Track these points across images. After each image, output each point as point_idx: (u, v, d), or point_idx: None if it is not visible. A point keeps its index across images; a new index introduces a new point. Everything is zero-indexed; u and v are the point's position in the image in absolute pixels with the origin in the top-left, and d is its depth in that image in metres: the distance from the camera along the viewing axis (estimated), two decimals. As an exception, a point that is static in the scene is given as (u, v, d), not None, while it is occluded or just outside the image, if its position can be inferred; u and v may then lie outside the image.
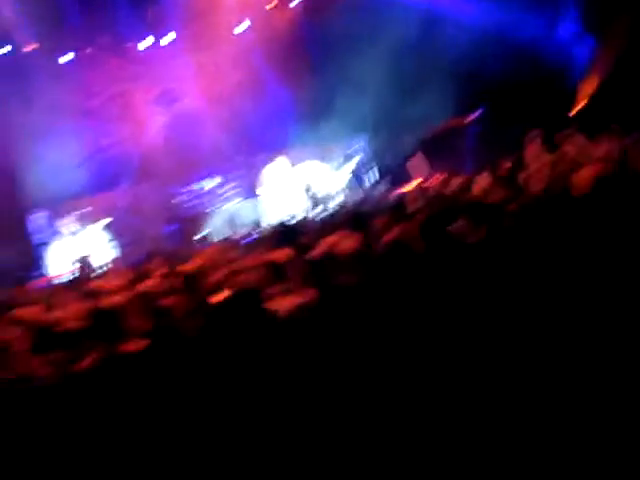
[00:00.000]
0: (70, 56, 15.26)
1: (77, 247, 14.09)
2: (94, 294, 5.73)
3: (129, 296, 5.36)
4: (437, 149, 14.87)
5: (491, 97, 14.00)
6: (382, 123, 14.27)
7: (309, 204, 14.19)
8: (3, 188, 12.99)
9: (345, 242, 5.18)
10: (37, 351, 4.52)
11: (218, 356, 3.14)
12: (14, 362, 4.24)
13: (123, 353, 3.59)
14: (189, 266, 5.51)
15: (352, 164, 15.66)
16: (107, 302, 4.29)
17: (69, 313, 5.44)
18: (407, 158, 14.00)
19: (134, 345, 3.74)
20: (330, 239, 5.56)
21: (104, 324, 4.08)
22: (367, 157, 15.94)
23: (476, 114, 14.49)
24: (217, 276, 5.24)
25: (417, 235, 4.32)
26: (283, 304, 3.61)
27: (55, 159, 13.69)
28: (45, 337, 4.74)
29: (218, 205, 15.30)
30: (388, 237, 4.40)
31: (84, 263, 12.00)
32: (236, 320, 3.08)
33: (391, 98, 13.70)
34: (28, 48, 14.65)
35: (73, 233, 14.49)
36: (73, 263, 12.37)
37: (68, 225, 14.46)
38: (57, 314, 5.35)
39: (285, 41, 14.76)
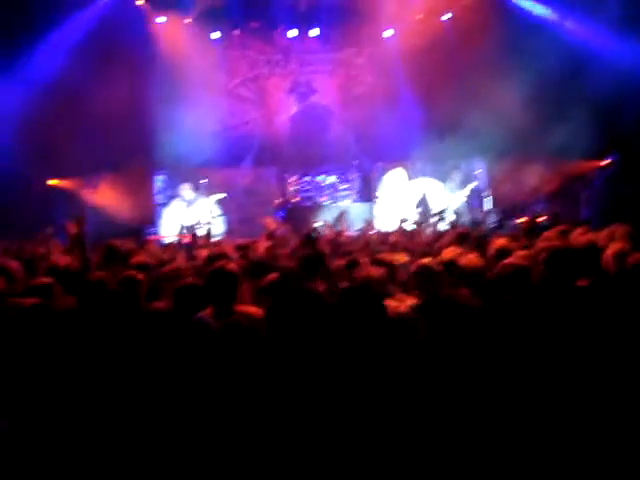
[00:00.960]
0: (218, 34, 15.84)
1: (190, 214, 14.63)
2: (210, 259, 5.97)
3: (243, 264, 5.58)
4: (557, 191, 14.60)
5: (625, 144, 13.58)
6: (507, 152, 14.04)
7: (420, 218, 14.16)
8: (137, 147, 13.61)
9: (466, 257, 5.20)
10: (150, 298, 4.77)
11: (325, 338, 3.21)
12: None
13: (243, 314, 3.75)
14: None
15: (468, 188, 15.53)
16: (225, 265, 4.44)
17: (187, 269, 5.73)
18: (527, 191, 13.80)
19: (253, 309, 3.89)
20: (450, 251, 5.60)
21: (221, 285, 4.22)
22: (484, 184, 15.76)
23: (608, 160, 14.09)
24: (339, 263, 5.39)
25: (540, 266, 4.28)
26: (399, 304, 3.66)
27: (186, 128, 14.26)
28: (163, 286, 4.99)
29: (331, 201, 15.52)
30: (510, 261, 4.38)
31: (193, 230, 12.42)
32: (355, 307, 3.16)
33: (522, 128, 13.49)
34: (184, 21, 15.35)
35: (189, 200, 15.07)
36: (183, 228, 12.83)
37: (186, 191, 15.05)
38: (173, 267, 5.64)
39: (427, 54, 14.75)
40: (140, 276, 4.73)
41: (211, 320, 3.72)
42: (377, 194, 15.65)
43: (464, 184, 15.65)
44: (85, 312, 4.02)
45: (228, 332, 3.31)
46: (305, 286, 3.99)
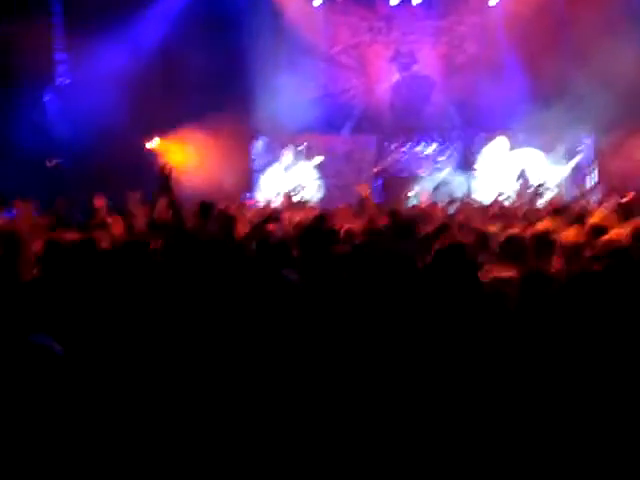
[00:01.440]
0: (321, 0, 15.82)
1: (288, 178, 14.87)
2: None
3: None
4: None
5: None
6: (618, 122, 13.45)
7: (520, 191, 13.83)
8: (237, 111, 13.87)
9: (566, 232, 5.11)
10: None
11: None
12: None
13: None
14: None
15: (573, 162, 15.04)
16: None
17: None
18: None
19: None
20: (544, 224, 5.52)
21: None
22: (590, 158, 15.23)
23: None
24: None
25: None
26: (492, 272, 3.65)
27: (287, 93, 14.43)
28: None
29: (429, 172, 15.41)
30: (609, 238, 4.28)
31: (289, 195, 12.61)
32: (448, 267, 3.18)
33: (634, 102, 12.92)
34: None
35: (288, 165, 15.29)
36: (280, 193, 13.05)
37: (287, 156, 15.27)
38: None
39: (534, 20, 14.26)
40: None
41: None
42: (476, 165, 15.41)
43: (569, 157, 15.18)
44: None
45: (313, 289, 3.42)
46: (395, 250, 4.05)
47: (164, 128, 13.96)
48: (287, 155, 15.25)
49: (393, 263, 2.99)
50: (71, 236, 4.89)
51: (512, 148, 15.44)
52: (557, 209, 7.13)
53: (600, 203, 10.61)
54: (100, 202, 7.73)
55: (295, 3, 15.34)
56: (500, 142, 15.46)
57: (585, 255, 4.52)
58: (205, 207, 6.48)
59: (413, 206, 8.34)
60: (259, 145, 15.47)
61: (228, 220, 5.37)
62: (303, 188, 14.43)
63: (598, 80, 12.90)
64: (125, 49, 13.22)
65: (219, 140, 14.05)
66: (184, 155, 14.35)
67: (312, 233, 4.51)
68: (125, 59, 13.13)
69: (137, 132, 13.60)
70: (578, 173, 15.24)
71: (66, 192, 11.01)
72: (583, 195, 13.14)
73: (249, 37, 14.62)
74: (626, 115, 13.12)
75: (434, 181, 14.85)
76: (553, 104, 13.80)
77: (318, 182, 15.24)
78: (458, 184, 14.43)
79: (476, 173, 15.31)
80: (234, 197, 11.73)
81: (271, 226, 6.04)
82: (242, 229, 5.93)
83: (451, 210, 8.55)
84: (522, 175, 14.39)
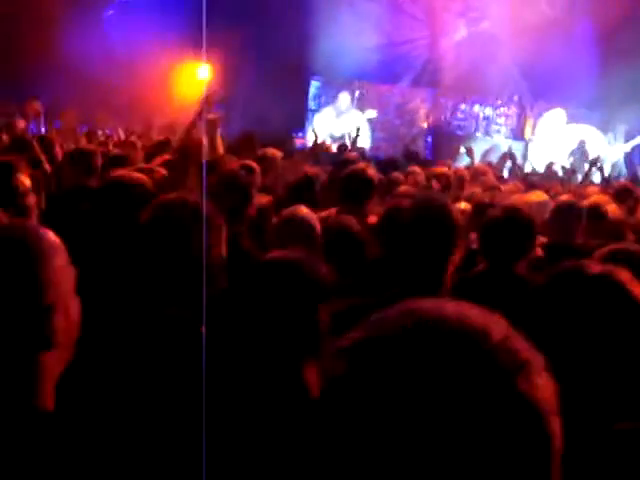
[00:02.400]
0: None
1: (339, 123, 14.66)
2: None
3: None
4: None
5: None
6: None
7: (574, 165, 13.47)
8: (296, 50, 13.63)
9: (609, 206, 4.91)
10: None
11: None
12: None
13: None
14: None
15: (631, 144, 14.55)
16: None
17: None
18: None
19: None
20: (596, 197, 5.31)
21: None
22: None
23: None
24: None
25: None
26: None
27: (349, 38, 14.11)
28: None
29: (484, 134, 15.07)
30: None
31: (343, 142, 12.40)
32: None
33: None
34: None
35: (341, 110, 15.06)
36: (331, 138, 12.92)
37: (343, 100, 15.02)
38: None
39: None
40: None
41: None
42: (533, 134, 14.99)
43: (628, 139, 14.69)
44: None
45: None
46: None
47: (217, 56, 13.77)
48: (342, 100, 15.00)
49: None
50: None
51: (570, 122, 14.97)
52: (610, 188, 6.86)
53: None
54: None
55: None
56: (558, 114, 15.00)
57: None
58: (249, 140, 6.35)
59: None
60: (314, 85, 15.25)
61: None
62: (353, 137, 14.24)
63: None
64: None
65: (274, 76, 13.84)
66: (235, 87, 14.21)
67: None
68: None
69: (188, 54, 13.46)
70: (637, 155, 14.77)
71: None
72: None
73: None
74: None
75: (488, 143, 14.51)
76: (620, 81, 13.29)
77: (368, 133, 14.97)
78: (514, 150, 14.03)
79: (532, 141, 14.89)
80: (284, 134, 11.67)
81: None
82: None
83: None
84: (579, 149, 14.00)
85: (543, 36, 14.91)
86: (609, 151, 14.53)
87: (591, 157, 13.24)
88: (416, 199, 3.00)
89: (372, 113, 14.92)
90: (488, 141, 14.78)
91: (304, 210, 3.41)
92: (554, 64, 14.22)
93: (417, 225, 2.62)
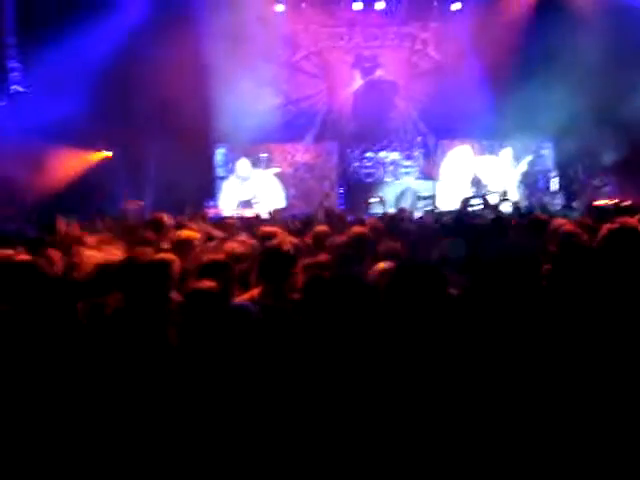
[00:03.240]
0: (282, 7, 15.60)
1: (245, 189, 14.65)
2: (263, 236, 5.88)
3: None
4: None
5: None
6: (577, 129, 13.51)
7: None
8: (198, 120, 13.61)
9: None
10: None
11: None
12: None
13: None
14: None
15: (530, 168, 15.08)
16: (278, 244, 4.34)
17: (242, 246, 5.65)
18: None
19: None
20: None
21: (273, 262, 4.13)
22: (551, 164, 15.29)
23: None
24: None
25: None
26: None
27: (248, 101, 14.20)
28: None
29: (392, 178, 15.33)
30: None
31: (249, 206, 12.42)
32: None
33: (594, 104, 12.95)
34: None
35: (244, 176, 15.05)
36: (240, 203, 12.87)
37: (243, 167, 15.03)
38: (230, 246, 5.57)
39: (499, 30, 14.24)
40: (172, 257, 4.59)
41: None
42: (440, 172, 15.35)
43: (518, 161, 15.24)
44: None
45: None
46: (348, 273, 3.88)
47: (121, 138, 13.63)
48: (240, 166, 15.02)
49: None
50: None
51: (475, 155, 15.43)
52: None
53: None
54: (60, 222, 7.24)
55: (255, 9, 15.06)
56: (463, 149, 15.45)
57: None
58: (157, 223, 6.21)
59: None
60: (220, 152, 15.21)
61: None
62: (260, 199, 14.27)
63: (557, 88, 12.93)
64: (79, 56, 12.83)
65: (182, 147, 13.72)
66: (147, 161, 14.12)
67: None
68: (79, 66, 12.76)
69: (92, 141, 13.30)
70: (540, 180, 15.31)
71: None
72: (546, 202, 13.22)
73: (209, 42, 14.38)
74: (585, 121, 13.18)
75: (399, 187, 14.78)
76: (514, 111, 13.84)
77: (280, 192, 15.02)
78: (423, 190, 14.31)
79: (440, 180, 15.23)
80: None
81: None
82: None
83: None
84: (477, 183, 14.46)
85: (437, 78, 15.47)
86: (510, 177, 14.99)
87: (488, 188, 13.76)
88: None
89: (275, 169, 15.02)
90: (398, 185, 15.05)
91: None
92: (450, 103, 14.70)
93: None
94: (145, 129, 13.53)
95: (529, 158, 14.87)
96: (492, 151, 15.51)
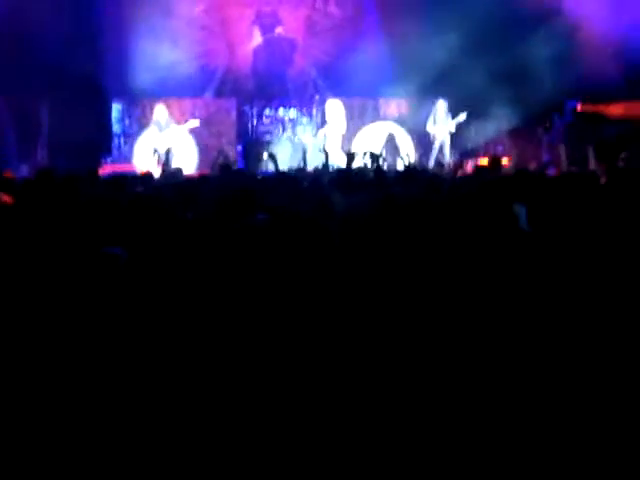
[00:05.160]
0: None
1: (162, 139, 14.27)
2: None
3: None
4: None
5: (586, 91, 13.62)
6: (472, 94, 13.92)
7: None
8: (92, 74, 13.25)
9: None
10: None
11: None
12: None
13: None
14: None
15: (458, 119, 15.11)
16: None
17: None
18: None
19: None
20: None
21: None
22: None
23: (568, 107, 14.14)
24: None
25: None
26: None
27: (145, 56, 13.91)
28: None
29: (293, 136, 15.36)
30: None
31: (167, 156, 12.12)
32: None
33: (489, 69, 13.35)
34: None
35: (161, 125, 14.63)
36: (156, 152, 12.57)
37: (161, 114, 14.63)
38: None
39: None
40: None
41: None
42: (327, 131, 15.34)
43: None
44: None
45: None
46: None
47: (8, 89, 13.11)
48: (160, 111, 14.60)
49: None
50: None
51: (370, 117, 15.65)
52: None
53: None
54: None
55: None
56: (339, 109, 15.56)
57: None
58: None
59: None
60: (116, 108, 14.83)
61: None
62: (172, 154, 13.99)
63: (454, 48, 13.24)
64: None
65: (74, 103, 13.31)
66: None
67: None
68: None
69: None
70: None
71: None
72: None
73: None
74: (481, 86, 13.58)
75: (295, 145, 14.85)
76: (412, 74, 14.11)
77: (194, 147, 14.79)
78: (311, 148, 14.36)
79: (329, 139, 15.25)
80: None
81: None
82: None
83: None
84: (391, 142, 14.70)
85: (336, 36, 15.55)
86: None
87: (402, 150, 14.00)
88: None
89: (195, 122, 14.70)
90: (296, 143, 15.12)
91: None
92: (349, 61, 14.84)
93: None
94: (35, 82, 13.06)
95: (462, 117, 14.87)
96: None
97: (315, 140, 14.88)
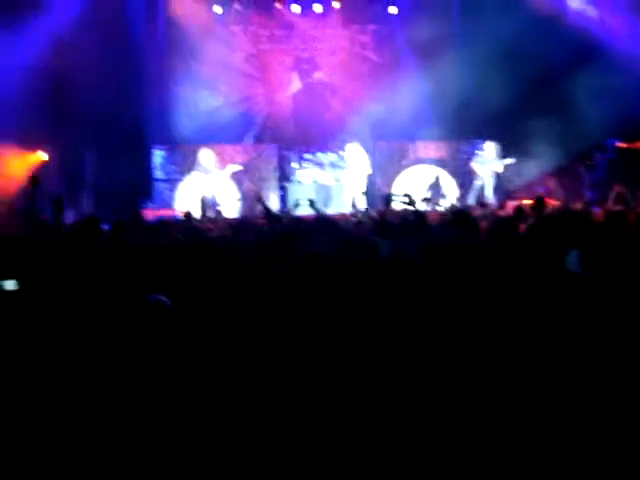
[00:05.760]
0: (220, 9, 15.64)
1: (208, 184, 14.43)
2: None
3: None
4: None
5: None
6: (513, 134, 13.93)
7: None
8: (138, 121, 13.54)
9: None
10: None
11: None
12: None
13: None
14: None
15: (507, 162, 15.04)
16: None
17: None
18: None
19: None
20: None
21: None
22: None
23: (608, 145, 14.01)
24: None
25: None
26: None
27: (188, 104, 14.21)
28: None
29: (332, 179, 15.44)
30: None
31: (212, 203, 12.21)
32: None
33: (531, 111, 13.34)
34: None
35: (207, 169, 14.78)
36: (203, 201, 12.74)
37: (208, 156, 14.79)
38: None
39: (435, 29, 14.49)
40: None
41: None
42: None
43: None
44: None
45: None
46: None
47: (56, 140, 13.47)
48: (205, 155, 14.74)
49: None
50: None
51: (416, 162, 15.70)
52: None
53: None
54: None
55: (194, 13, 15.06)
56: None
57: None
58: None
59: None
60: (159, 155, 15.06)
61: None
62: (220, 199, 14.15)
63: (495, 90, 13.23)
64: (12, 56, 12.58)
65: (117, 152, 13.56)
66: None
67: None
68: (12, 73, 12.48)
69: (29, 142, 13.13)
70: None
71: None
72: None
73: (148, 47, 14.33)
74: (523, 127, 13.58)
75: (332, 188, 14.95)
76: (455, 114, 14.16)
77: (236, 192, 14.94)
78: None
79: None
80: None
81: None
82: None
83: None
84: (437, 182, 14.74)
85: (374, 80, 15.70)
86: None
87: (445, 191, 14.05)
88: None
89: (236, 167, 14.82)
90: (334, 186, 15.19)
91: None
92: (388, 105, 14.94)
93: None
94: (81, 132, 13.39)
95: (509, 160, 14.88)
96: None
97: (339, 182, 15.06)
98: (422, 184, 15.07)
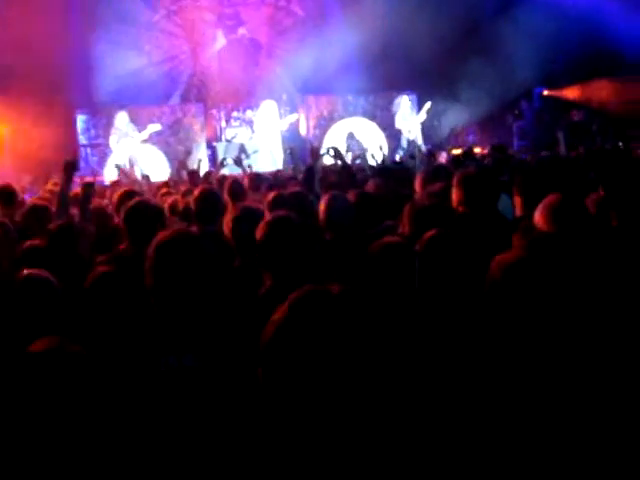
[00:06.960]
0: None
1: (116, 154, 14.07)
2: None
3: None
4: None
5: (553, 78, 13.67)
6: (438, 83, 13.91)
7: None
8: (57, 85, 12.95)
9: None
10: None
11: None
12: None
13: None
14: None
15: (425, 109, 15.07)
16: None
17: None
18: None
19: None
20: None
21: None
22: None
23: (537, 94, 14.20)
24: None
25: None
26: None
27: (109, 65, 13.66)
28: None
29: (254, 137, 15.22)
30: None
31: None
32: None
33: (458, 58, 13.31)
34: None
35: (124, 133, 14.36)
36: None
37: (124, 119, 14.35)
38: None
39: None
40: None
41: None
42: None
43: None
44: None
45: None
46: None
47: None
48: (121, 119, 14.31)
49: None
50: None
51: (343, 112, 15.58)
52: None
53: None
54: None
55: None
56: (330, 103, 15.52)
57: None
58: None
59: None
60: (81, 119, 14.51)
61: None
62: (136, 161, 13.72)
63: (422, 39, 13.13)
64: None
65: (40, 116, 12.97)
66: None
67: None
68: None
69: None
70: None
71: None
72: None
73: (66, 7, 13.66)
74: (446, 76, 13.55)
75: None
76: (381, 64, 14.02)
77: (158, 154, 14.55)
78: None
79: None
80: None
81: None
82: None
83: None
84: (351, 138, 14.66)
85: (300, 34, 15.40)
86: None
87: (371, 145, 13.98)
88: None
89: (155, 127, 14.44)
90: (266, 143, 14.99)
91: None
92: (315, 59, 14.68)
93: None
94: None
95: (427, 106, 14.88)
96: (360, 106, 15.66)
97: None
98: (342, 138, 15.04)
